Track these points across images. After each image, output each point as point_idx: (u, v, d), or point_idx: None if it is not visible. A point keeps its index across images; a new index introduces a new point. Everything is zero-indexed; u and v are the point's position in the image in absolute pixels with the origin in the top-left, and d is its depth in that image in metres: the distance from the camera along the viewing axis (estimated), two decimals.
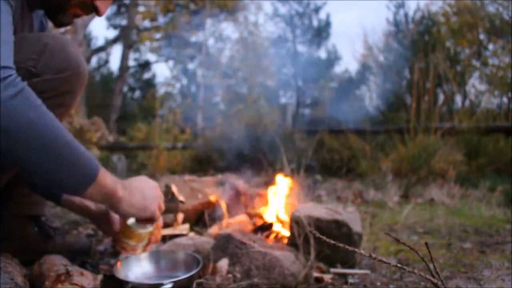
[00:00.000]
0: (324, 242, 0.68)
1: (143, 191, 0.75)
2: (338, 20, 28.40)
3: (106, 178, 0.68)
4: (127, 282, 0.83)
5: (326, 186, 2.84)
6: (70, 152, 0.62)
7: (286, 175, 1.51)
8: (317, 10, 16.40)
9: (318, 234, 0.69)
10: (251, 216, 1.42)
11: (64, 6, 0.81)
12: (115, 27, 12.24)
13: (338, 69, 15.84)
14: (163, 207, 0.80)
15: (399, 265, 0.66)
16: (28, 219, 1.02)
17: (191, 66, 13.13)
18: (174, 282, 0.83)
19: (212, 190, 1.58)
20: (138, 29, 10.52)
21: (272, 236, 1.21)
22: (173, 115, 5.62)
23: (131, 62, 12.56)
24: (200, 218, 1.50)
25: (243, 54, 11.99)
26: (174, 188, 1.48)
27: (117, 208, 0.71)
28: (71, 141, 0.63)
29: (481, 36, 4.76)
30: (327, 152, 3.71)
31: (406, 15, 6.62)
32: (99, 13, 0.82)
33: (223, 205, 1.48)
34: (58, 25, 0.84)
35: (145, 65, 13.38)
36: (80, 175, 0.64)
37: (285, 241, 1.15)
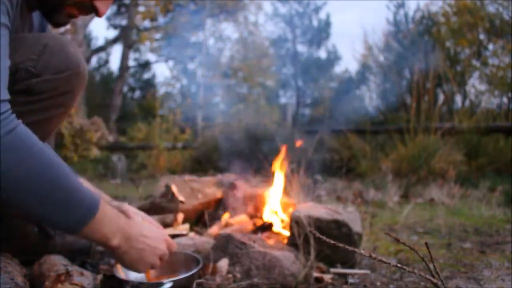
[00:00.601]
0: (324, 242, 0.68)
1: (141, 253, 0.72)
2: (338, 20, 28.41)
3: (104, 222, 0.66)
4: (127, 282, 0.83)
5: (326, 186, 2.84)
6: (63, 194, 0.61)
7: (284, 174, 1.50)
8: (317, 10, 16.41)
9: (318, 234, 0.69)
10: (251, 216, 1.42)
11: (60, 6, 0.79)
12: (115, 27, 12.24)
13: (338, 69, 15.85)
14: (158, 263, 0.77)
15: (399, 265, 0.66)
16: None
17: (191, 66, 13.13)
18: (174, 281, 0.82)
19: (212, 190, 1.58)
20: (138, 29, 10.52)
21: (272, 236, 1.21)
22: (173, 115, 5.62)
23: (131, 62, 12.56)
24: (200, 218, 1.50)
25: (243, 54, 11.99)
26: (174, 188, 1.48)
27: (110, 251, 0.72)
28: (66, 181, 0.61)
29: (481, 36, 4.75)
30: (327, 152, 3.72)
31: (406, 15, 6.62)
32: (98, 14, 0.80)
33: (223, 205, 1.49)
34: (55, 25, 0.84)
35: (145, 65, 13.38)
36: (71, 218, 0.62)
37: (285, 241, 1.15)
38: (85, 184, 0.91)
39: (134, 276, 0.93)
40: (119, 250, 0.70)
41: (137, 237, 0.72)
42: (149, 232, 0.75)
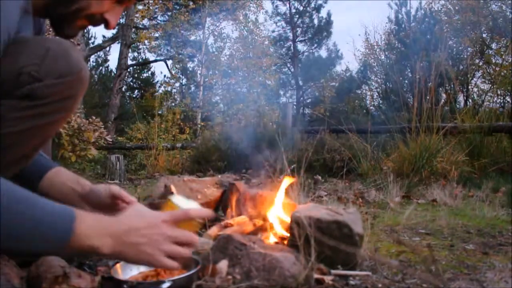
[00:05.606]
0: (325, 243, 0.67)
1: (138, 246, 0.68)
2: (340, 19, 28.40)
3: (85, 234, 0.64)
4: (125, 281, 0.82)
5: (326, 187, 2.83)
6: (31, 230, 0.60)
7: (286, 176, 1.49)
8: (318, 8, 16.39)
9: (318, 235, 0.68)
10: (251, 216, 1.41)
11: (71, 18, 0.80)
12: None
13: (339, 68, 15.86)
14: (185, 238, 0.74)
15: (400, 266, 0.64)
16: None
17: (190, 65, 13.13)
18: (173, 281, 0.82)
19: (211, 190, 1.57)
20: (136, 27, 10.52)
21: (273, 237, 1.20)
22: (172, 115, 5.61)
23: (130, 61, 12.56)
24: None
25: (243, 53, 11.98)
26: (173, 189, 1.47)
27: None
28: (30, 215, 0.60)
29: (484, 35, 4.73)
30: (327, 152, 3.70)
31: (408, 13, 6.59)
32: (109, 27, 0.82)
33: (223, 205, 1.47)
34: (65, 36, 0.83)
35: (144, 64, 13.39)
36: (49, 246, 0.62)
37: (286, 242, 1.14)
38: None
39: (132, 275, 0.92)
40: (114, 254, 0.67)
41: (128, 231, 0.68)
42: (140, 221, 0.71)
